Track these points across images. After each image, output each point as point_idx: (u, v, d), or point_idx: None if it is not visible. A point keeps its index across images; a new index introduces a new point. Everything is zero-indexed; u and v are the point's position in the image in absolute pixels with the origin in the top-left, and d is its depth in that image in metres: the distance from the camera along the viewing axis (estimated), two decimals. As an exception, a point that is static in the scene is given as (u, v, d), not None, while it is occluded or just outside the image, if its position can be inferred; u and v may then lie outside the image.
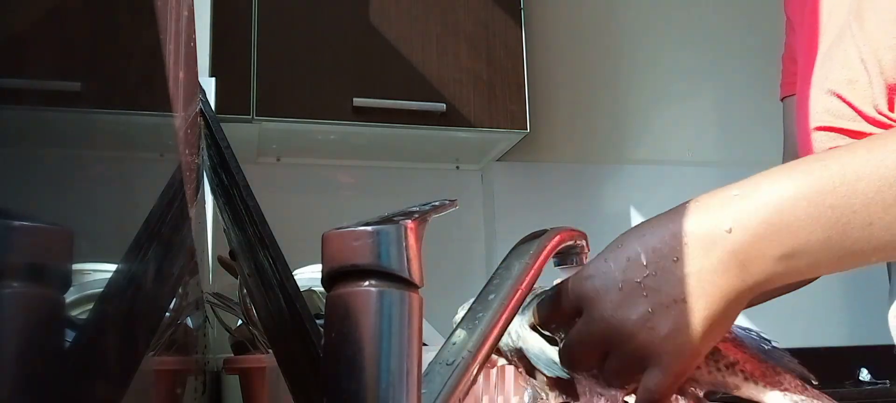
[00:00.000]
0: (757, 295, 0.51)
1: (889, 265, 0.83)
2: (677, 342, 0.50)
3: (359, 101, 1.88)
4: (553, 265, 0.58)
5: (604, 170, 2.40)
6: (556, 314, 0.55)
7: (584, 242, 0.58)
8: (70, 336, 0.20)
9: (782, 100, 0.95)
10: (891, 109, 0.67)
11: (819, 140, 0.73)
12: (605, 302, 0.51)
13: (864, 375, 2.28)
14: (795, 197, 0.49)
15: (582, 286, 0.52)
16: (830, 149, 0.54)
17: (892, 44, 0.67)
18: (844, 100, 0.70)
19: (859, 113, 0.69)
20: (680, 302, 0.49)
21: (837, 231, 0.49)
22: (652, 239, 0.51)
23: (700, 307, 0.49)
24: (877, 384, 2.25)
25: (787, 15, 0.92)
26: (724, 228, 0.50)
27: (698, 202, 0.52)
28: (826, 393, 0.54)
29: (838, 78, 0.71)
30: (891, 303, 0.82)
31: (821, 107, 0.73)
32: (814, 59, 0.77)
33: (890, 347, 0.81)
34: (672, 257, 0.50)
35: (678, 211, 0.52)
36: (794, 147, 0.87)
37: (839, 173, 0.49)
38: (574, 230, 0.56)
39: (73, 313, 0.22)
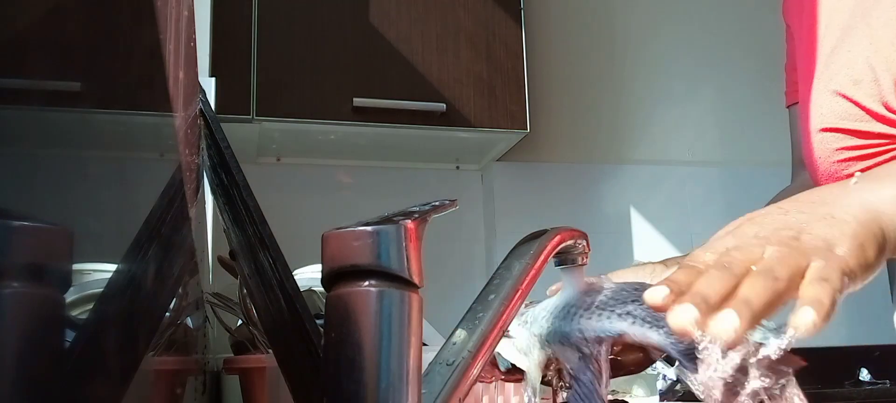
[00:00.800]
0: (891, 246, 0.54)
1: (889, 266, 0.83)
2: (834, 245, 0.50)
3: (359, 101, 1.88)
4: (554, 265, 0.58)
5: (604, 170, 2.40)
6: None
7: (584, 242, 0.58)
8: (70, 336, 0.20)
9: (788, 108, 0.95)
10: None
11: (825, 141, 0.73)
12: (762, 221, 0.52)
13: (864, 375, 2.28)
14: None
15: (731, 230, 0.53)
16: None
17: None
18: (851, 100, 0.70)
19: (868, 111, 0.69)
20: (827, 217, 0.52)
21: None
22: (783, 203, 0.55)
23: (849, 224, 0.51)
24: (877, 384, 2.25)
25: (787, 22, 0.92)
26: (852, 182, 0.56)
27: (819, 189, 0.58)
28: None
29: (843, 79, 0.71)
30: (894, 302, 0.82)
31: (826, 109, 0.73)
32: (814, 62, 0.77)
33: (890, 347, 0.81)
34: (810, 203, 0.54)
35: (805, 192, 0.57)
36: (800, 153, 0.87)
37: None
38: (574, 230, 0.56)
39: (73, 313, 0.22)
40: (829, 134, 0.73)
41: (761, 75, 2.29)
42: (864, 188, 0.55)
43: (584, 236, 0.58)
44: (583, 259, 0.59)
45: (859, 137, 0.70)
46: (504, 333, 0.54)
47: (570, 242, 0.56)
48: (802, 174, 0.90)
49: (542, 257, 0.50)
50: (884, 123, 0.68)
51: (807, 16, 0.81)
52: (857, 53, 0.70)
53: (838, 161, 0.72)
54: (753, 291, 0.45)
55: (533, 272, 0.48)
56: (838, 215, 0.52)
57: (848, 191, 0.55)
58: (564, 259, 0.58)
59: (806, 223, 0.51)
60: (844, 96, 0.71)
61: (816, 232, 0.50)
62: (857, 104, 0.70)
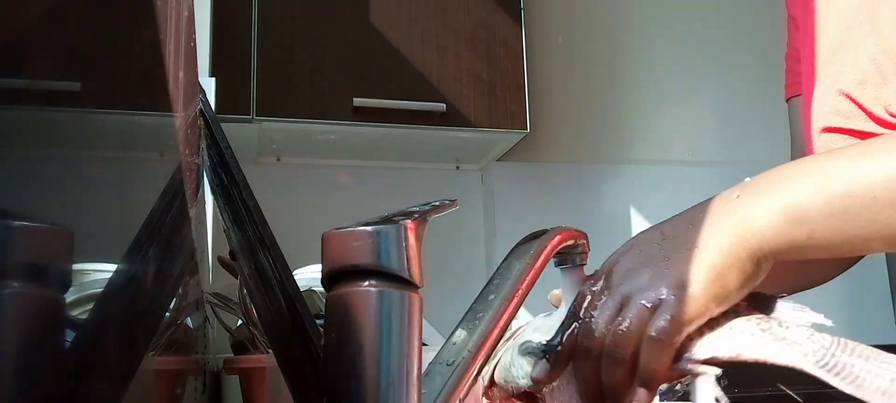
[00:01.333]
0: (768, 264, 0.54)
1: (889, 267, 0.83)
2: (687, 283, 0.52)
3: (359, 101, 1.88)
4: (553, 265, 0.58)
5: (604, 170, 2.40)
6: (584, 294, 0.56)
7: (584, 242, 0.58)
8: (70, 336, 0.20)
9: (788, 100, 0.94)
10: None
11: (827, 141, 0.72)
12: (625, 262, 0.55)
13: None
14: (802, 171, 0.54)
15: (606, 262, 0.57)
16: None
17: None
18: (854, 101, 0.70)
19: (868, 113, 0.68)
20: (694, 250, 0.53)
21: (839, 198, 0.52)
22: (668, 222, 0.57)
23: (709, 254, 0.53)
24: (877, 384, 2.24)
25: (790, 12, 0.90)
26: (733, 196, 0.55)
27: (722, 193, 0.57)
28: (826, 394, 0.54)
29: (848, 78, 0.70)
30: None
31: (829, 108, 0.72)
32: (818, 55, 0.76)
33: (890, 347, 0.80)
34: (688, 224, 0.55)
35: (701, 203, 0.57)
36: (801, 148, 0.86)
37: (845, 157, 0.53)
38: (574, 230, 0.56)
39: (73, 313, 0.22)
40: (830, 135, 0.72)
41: (761, 75, 2.28)
42: (744, 204, 0.54)
43: (585, 236, 0.58)
44: (583, 259, 0.59)
45: (860, 138, 0.69)
46: (505, 335, 0.54)
47: (570, 242, 0.56)
48: None
49: (542, 257, 0.50)
50: (883, 127, 0.67)
51: (813, 10, 0.80)
52: (862, 53, 0.69)
53: None
54: (611, 380, 0.54)
55: (533, 272, 0.48)
56: (702, 243, 0.53)
57: (726, 208, 0.55)
58: (564, 259, 0.58)
59: (669, 256, 0.54)
60: (848, 96, 0.70)
61: (675, 270, 0.53)
62: (859, 105, 0.69)
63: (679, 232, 0.55)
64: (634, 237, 0.57)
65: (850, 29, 0.72)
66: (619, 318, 0.54)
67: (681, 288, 0.52)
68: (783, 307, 0.55)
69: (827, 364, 0.50)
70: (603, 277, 0.56)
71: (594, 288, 0.56)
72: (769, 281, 0.58)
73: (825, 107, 0.73)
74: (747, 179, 0.56)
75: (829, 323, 0.53)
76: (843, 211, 0.52)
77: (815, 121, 0.74)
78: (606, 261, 0.57)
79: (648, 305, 0.53)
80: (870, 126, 0.68)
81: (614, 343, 0.53)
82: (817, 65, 0.76)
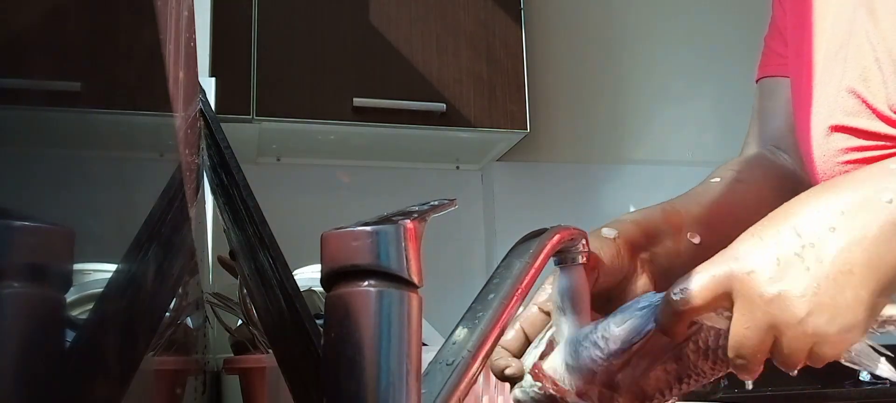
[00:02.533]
0: None
1: None
2: (848, 317, 0.47)
3: (359, 101, 1.88)
4: (553, 264, 0.58)
5: (604, 170, 2.40)
6: (694, 310, 0.50)
7: (583, 241, 0.58)
8: (70, 336, 0.20)
9: (759, 80, 0.92)
10: None
11: (832, 141, 0.71)
12: (760, 279, 0.48)
13: (864, 375, 2.28)
14: None
15: (727, 269, 0.49)
16: None
17: None
18: (861, 98, 0.69)
19: (872, 109, 0.68)
20: (846, 273, 0.47)
21: None
22: (801, 211, 0.49)
23: (869, 278, 0.47)
24: (877, 384, 2.25)
25: None
26: (884, 199, 0.47)
27: (848, 177, 0.50)
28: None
29: (854, 75, 0.70)
30: None
31: (837, 107, 0.71)
32: (820, 51, 0.75)
33: (890, 347, 0.80)
34: (829, 226, 0.48)
35: (825, 186, 0.50)
36: (773, 131, 0.85)
37: None
38: (573, 229, 0.56)
39: (73, 313, 0.22)
40: (838, 134, 0.71)
41: (761, 75, 2.28)
42: (864, 246, 0.47)
43: (584, 235, 0.58)
44: (581, 258, 0.59)
45: (866, 138, 0.68)
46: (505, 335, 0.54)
47: (568, 241, 0.56)
48: (759, 154, 0.84)
49: (541, 256, 0.50)
50: (888, 125, 0.67)
51: (808, 8, 0.79)
52: (865, 50, 0.69)
53: (842, 162, 0.71)
54: None
55: (533, 271, 0.48)
56: (855, 266, 0.47)
57: (877, 214, 0.47)
58: (563, 258, 0.58)
59: (818, 280, 0.47)
60: (855, 93, 0.70)
61: (830, 303, 0.47)
62: (865, 102, 0.69)
63: (821, 239, 0.48)
64: (761, 230, 0.50)
65: (850, 26, 0.71)
66: (777, 354, 0.49)
67: (840, 332, 0.47)
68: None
69: None
70: (725, 279, 0.49)
71: (705, 293, 0.49)
72: None
73: (832, 105, 0.72)
74: (892, 166, 0.49)
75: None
76: None
77: (819, 120, 0.73)
78: (725, 259, 0.49)
79: (806, 346, 0.48)
80: (875, 124, 0.68)
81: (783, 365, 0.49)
82: (816, 61, 0.75)
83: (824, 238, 0.47)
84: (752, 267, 0.48)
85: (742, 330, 0.49)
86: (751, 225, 0.51)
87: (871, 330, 0.51)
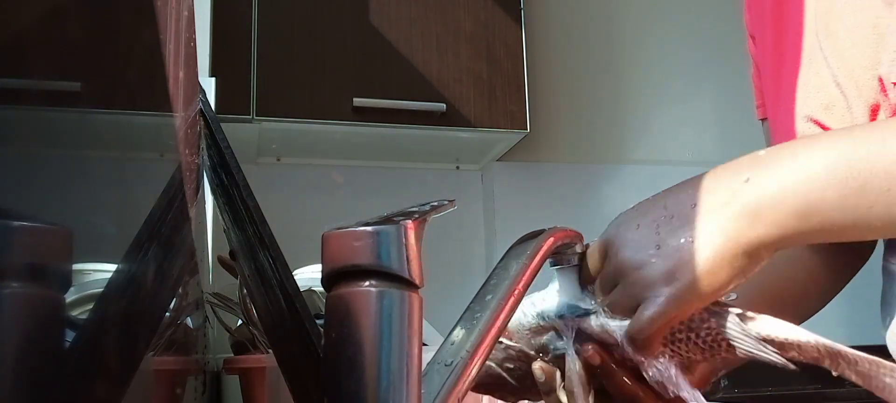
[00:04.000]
0: (763, 259, 0.52)
1: (883, 271, 0.82)
2: (676, 280, 0.51)
3: (359, 101, 1.88)
4: (549, 265, 0.58)
5: (604, 170, 2.40)
6: (592, 266, 0.58)
7: (580, 242, 0.58)
8: (70, 336, 0.20)
9: (762, 120, 0.92)
10: None
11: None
12: (622, 238, 0.55)
13: (864, 375, 2.27)
14: (813, 154, 0.51)
15: (607, 231, 0.57)
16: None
17: (868, 63, 0.64)
18: (822, 127, 0.68)
19: None
20: (688, 242, 0.51)
21: (853, 191, 0.49)
22: (676, 190, 0.55)
23: (706, 250, 0.51)
24: (877, 384, 2.24)
25: (749, 30, 0.87)
26: (742, 179, 0.51)
27: (726, 164, 0.54)
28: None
29: (814, 103, 0.69)
30: (884, 319, 0.80)
31: (798, 135, 0.71)
32: (784, 79, 0.74)
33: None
34: (690, 203, 0.53)
35: (706, 173, 0.54)
36: None
37: (863, 137, 0.50)
38: (570, 230, 0.57)
39: (73, 313, 0.22)
40: None
41: (761, 75, 2.28)
42: (753, 191, 0.51)
43: (580, 236, 0.58)
44: (578, 259, 0.59)
45: None
46: (503, 334, 0.55)
47: (565, 242, 0.56)
48: None
49: (538, 257, 0.50)
50: None
51: (770, 29, 0.78)
52: (826, 77, 0.67)
53: None
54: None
55: (529, 272, 0.48)
56: (702, 233, 0.51)
57: (733, 191, 0.51)
58: (560, 259, 0.58)
59: (665, 241, 0.52)
60: (816, 122, 0.69)
61: (667, 261, 0.52)
62: (828, 130, 0.68)
63: (681, 210, 0.53)
64: (638, 205, 0.56)
65: (810, 52, 0.70)
66: (609, 298, 0.55)
67: (670, 283, 0.51)
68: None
69: None
70: (601, 246, 0.57)
71: (594, 255, 0.57)
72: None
73: (795, 134, 0.71)
74: (762, 153, 0.53)
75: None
76: (856, 196, 0.49)
77: None
78: (609, 227, 0.57)
79: (635, 294, 0.53)
80: None
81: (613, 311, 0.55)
82: (782, 89, 0.74)
83: (683, 212, 0.53)
84: (619, 228, 0.56)
85: (601, 276, 0.56)
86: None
87: (746, 347, 0.53)
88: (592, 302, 0.57)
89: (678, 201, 0.53)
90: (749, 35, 0.88)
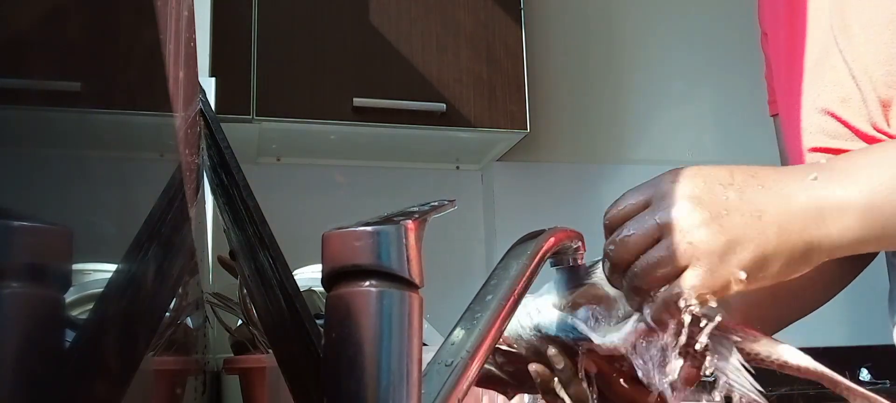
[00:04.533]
0: (819, 260, 0.51)
1: (889, 270, 0.82)
2: (735, 252, 0.49)
3: (359, 101, 1.88)
4: (549, 265, 0.58)
5: (604, 170, 2.40)
6: (626, 206, 0.54)
7: (579, 243, 0.58)
8: (70, 336, 0.20)
9: (773, 116, 0.93)
10: (888, 125, 0.65)
11: (815, 160, 0.71)
12: (682, 191, 0.51)
13: (864, 375, 2.28)
14: (878, 167, 0.51)
15: (662, 177, 0.53)
16: None
17: (883, 58, 0.65)
18: (839, 119, 0.68)
19: (855, 131, 0.67)
20: (756, 217, 0.50)
21: None
22: (742, 168, 0.53)
23: (773, 233, 0.50)
24: (877, 384, 2.25)
25: (763, 28, 0.89)
26: (810, 177, 0.51)
27: (783, 167, 0.54)
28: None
29: (830, 96, 0.69)
30: (892, 316, 0.80)
31: (815, 127, 0.71)
32: (797, 73, 0.74)
33: (890, 347, 0.80)
34: (759, 184, 0.51)
35: (762, 167, 0.54)
36: (789, 164, 0.85)
37: None
38: (570, 230, 0.57)
39: (73, 313, 0.22)
40: (819, 154, 0.71)
41: (761, 75, 2.28)
42: (821, 191, 0.51)
43: (580, 236, 0.58)
44: (578, 259, 0.59)
45: None
46: (504, 334, 0.55)
47: (565, 242, 0.56)
48: None
49: (538, 257, 0.50)
50: (871, 144, 0.66)
51: (783, 25, 0.78)
52: (842, 71, 0.68)
53: None
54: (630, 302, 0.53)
55: (529, 272, 0.48)
56: (766, 216, 0.50)
57: (801, 186, 0.51)
58: (560, 259, 0.59)
59: (728, 211, 0.50)
60: (833, 115, 0.69)
61: (726, 234, 0.49)
62: (845, 124, 0.68)
63: (748, 187, 0.51)
64: (699, 168, 0.53)
65: (826, 47, 0.70)
66: (650, 253, 0.50)
67: (723, 257, 0.49)
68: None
69: None
70: (654, 186, 0.53)
71: (636, 198, 0.53)
72: (757, 312, 0.57)
73: (811, 127, 0.71)
74: (822, 160, 0.54)
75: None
76: None
77: (803, 141, 0.73)
78: (658, 178, 0.53)
79: (681, 256, 0.49)
80: (857, 144, 0.67)
81: (635, 275, 0.51)
82: (801, 83, 0.75)
83: (751, 186, 0.51)
84: (681, 176, 0.52)
85: (635, 221, 0.52)
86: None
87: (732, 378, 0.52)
88: (587, 313, 0.56)
89: (745, 178, 0.51)
90: (762, 32, 0.88)
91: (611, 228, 0.54)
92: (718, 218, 0.49)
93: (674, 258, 0.49)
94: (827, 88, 0.69)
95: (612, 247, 0.52)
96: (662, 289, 0.50)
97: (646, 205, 0.52)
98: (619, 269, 0.53)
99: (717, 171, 0.52)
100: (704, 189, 0.51)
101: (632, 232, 0.51)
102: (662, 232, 0.50)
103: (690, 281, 0.49)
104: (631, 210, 0.53)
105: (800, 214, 0.50)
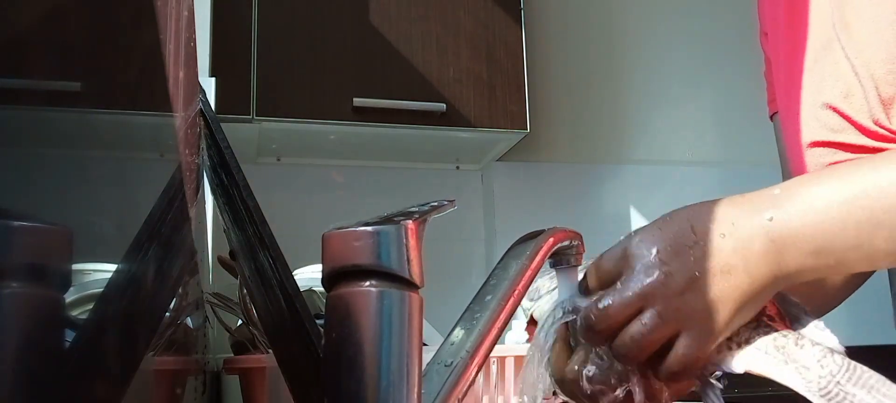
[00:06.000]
0: (787, 287, 0.55)
1: (890, 271, 0.82)
2: (718, 310, 0.52)
3: (359, 101, 1.88)
4: (549, 266, 0.58)
5: (604, 170, 2.40)
6: (599, 278, 0.56)
7: (578, 243, 0.58)
8: (70, 336, 0.20)
9: (772, 117, 0.93)
10: (889, 121, 0.65)
11: (816, 155, 0.71)
12: (652, 258, 0.53)
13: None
14: (830, 198, 0.54)
15: (630, 243, 0.54)
16: (856, 160, 0.57)
17: (885, 56, 0.65)
18: (841, 114, 0.68)
19: (857, 126, 0.67)
20: (726, 272, 0.52)
21: (866, 232, 0.53)
22: (700, 216, 0.55)
23: (744, 281, 0.53)
24: (877, 384, 2.24)
25: (762, 26, 0.89)
26: (766, 217, 0.54)
27: (742, 196, 0.56)
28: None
29: (832, 92, 0.69)
30: None
31: (816, 123, 0.71)
32: (797, 69, 0.74)
33: (890, 347, 0.80)
34: (719, 233, 0.54)
35: (721, 200, 0.56)
36: (788, 163, 0.85)
37: (873, 179, 0.53)
38: (569, 230, 0.57)
39: (73, 313, 0.22)
40: (820, 148, 0.71)
41: (761, 75, 2.28)
42: (777, 232, 0.53)
43: (579, 236, 0.58)
44: (577, 259, 0.59)
45: (851, 151, 0.68)
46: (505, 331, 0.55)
47: (564, 243, 0.56)
48: None
49: (537, 258, 0.50)
50: (875, 139, 0.66)
51: (784, 21, 0.78)
52: (844, 67, 0.68)
53: None
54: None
55: (529, 273, 0.48)
56: (734, 272, 0.52)
57: (759, 229, 0.53)
58: (559, 259, 0.58)
59: (701, 274, 0.53)
60: (834, 109, 0.69)
61: (703, 290, 0.52)
62: (847, 118, 0.68)
63: (711, 239, 0.53)
64: (662, 222, 0.55)
65: (827, 43, 0.70)
66: (640, 324, 0.53)
67: (708, 318, 0.52)
68: (808, 324, 0.56)
69: (829, 392, 0.52)
70: (623, 256, 0.54)
71: (607, 267, 0.55)
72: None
73: (812, 122, 0.71)
74: (776, 190, 0.55)
75: (841, 349, 0.55)
76: (870, 235, 0.53)
77: (803, 136, 0.73)
78: (630, 238, 0.55)
79: (670, 323, 0.52)
80: (859, 138, 0.67)
81: (626, 346, 0.53)
82: (795, 78, 0.75)
83: (714, 241, 0.53)
84: (648, 245, 0.54)
85: (617, 295, 0.53)
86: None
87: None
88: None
89: (706, 228, 0.54)
90: (762, 31, 0.88)
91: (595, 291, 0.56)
92: (693, 283, 0.52)
93: (664, 326, 0.53)
94: (828, 83, 0.70)
95: (592, 317, 0.54)
96: (668, 361, 0.53)
97: (617, 275, 0.55)
98: (602, 337, 0.55)
99: (679, 230, 0.54)
100: (672, 254, 0.53)
101: (610, 301, 0.54)
102: (645, 302, 0.53)
103: (686, 348, 0.53)
104: (604, 279, 0.56)
105: (763, 258, 0.53)
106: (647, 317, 0.53)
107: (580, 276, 0.59)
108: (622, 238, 0.57)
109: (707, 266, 0.53)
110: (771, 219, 0.54)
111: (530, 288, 0.62)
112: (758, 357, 0.54)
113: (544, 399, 0.59)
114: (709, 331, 0.53)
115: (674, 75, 2.50)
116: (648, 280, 0.53)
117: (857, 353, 0.53)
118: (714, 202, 0.56)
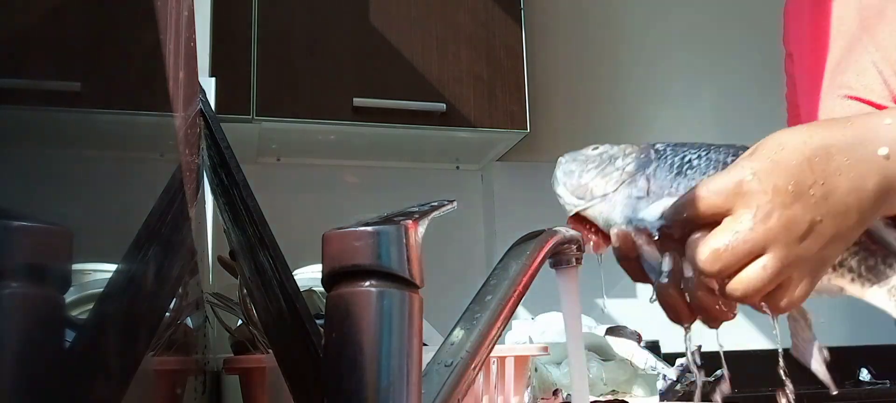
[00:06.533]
0: None
1: None
2: (833, 253, 0.53)
3: (359, 101, 1.88)
4: (549, 266, 0.58)
5: (604, 170, 2.40)
6: (704, 210, 0.52)
7: (578, 243, 0.58)
8: (70, 336, 0.20)
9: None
10: None
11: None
12: (772, 198, 0.50)
13: (864, 375, 2.28)
14: None
15: (743, 176, 0.51)
16: None
17: None
18: (863, 100, 0.69)
19: (879, 108, 0.68)
20: (843, 214, 0.52)
21: None
22: (815, 148, 0.52)
23: (856, 220, 0.52)
24: (877, 384, 2.25)
25: (787, 49, 0.90)
26: (881, 153, 0.52)
27: (848, 121, 0.54)
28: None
29: (853, 83, 0.70)
30: None
31: (837, 113, 0.72)
32: (819, 77, 0.76)
33: (890, 347, 0.80)
34: (836, 169, 0.52)
35: (827, 126, 0.54)
36: None
37: None
38: (569, 231, 0.57)
39: (73, 313, 0.22)
40: None
41: (761, 75, 2.28)
42: (891, 166, 0.52)
43: (579, 237, 0.58)
44: (577, 260, 0.59)
45: None
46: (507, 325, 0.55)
47: (564, 243, 0.56)
48: None
49: (537, 258, 0.50)
50: None
51: (809, 39, 0.80)
52: (865, 62, 0.69)
53: None
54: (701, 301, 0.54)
55: (529, 273, 0.48)
56: (849, 212, 0.52)
57: (873, 165, 0.52)
58: (559, 260, 0.58)
59: (822, 218, 0.51)
60: (856, 98, 0.70)
61: (822, 233, 0.51)
62: (869, 103, 0.69)
63: (828, 179, 0.51)
64: (774, 153, 0.52)
65: (851, 46, 0.72)
66: (760, 270, 0.50)
67: (824, 262, 0.53)
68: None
69: None
70: (736, 189, 0.51)
71: (716, 198, 0.52)
72: None
73: (833, 113, 0.72)
74: (888, 119, 0.54)
75: None
76: None
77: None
78: (742, 168, 0.52)
79: (789, 268, 0.51)
80: None
81: (742, 290, 0.51)
82: (817, 81, 0.76)
83: (831, 180, 0.52)
84: (766, 185, 0.51)
85: (730, 237, 0.51)
86: None
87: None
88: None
89: (822, 164, 0.52)
90: (787, 53, 0.89)
91: (683, 227, 0.53)
92: (814, 228, 0.51)
93: (783, 271, 0.51)
94: (850, 77, 0.71)
95: (702, 256, 0.51)
96: (782, 303, 0.52)
97: (727, 211, 0.52)
98: (711, 277, 0.52)
99: (797, 166, 0.51)
100: (793, 196, 0.51)
101: (726, 243, 0.51)
102: (765, 248, 0.50)
103: (803, 290, 0.52)
104: (709, 212, 0.52)
105: (875, 198, 0.52)
106: (768, 263, 0.50)
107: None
108: (729, 161, 0.55)
109: (826, 209, 0.51)
110: (887, 157, 0.52)
111: (573, 184, 0.62)
112: (849, 279, 0.56)
113: (543, 398, 0.59)
114: (822, 272, 0.54)
115: (674, 75, 2.50)
116: (770, 224, 0.50)
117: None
118: (822, 126, 0.54)
